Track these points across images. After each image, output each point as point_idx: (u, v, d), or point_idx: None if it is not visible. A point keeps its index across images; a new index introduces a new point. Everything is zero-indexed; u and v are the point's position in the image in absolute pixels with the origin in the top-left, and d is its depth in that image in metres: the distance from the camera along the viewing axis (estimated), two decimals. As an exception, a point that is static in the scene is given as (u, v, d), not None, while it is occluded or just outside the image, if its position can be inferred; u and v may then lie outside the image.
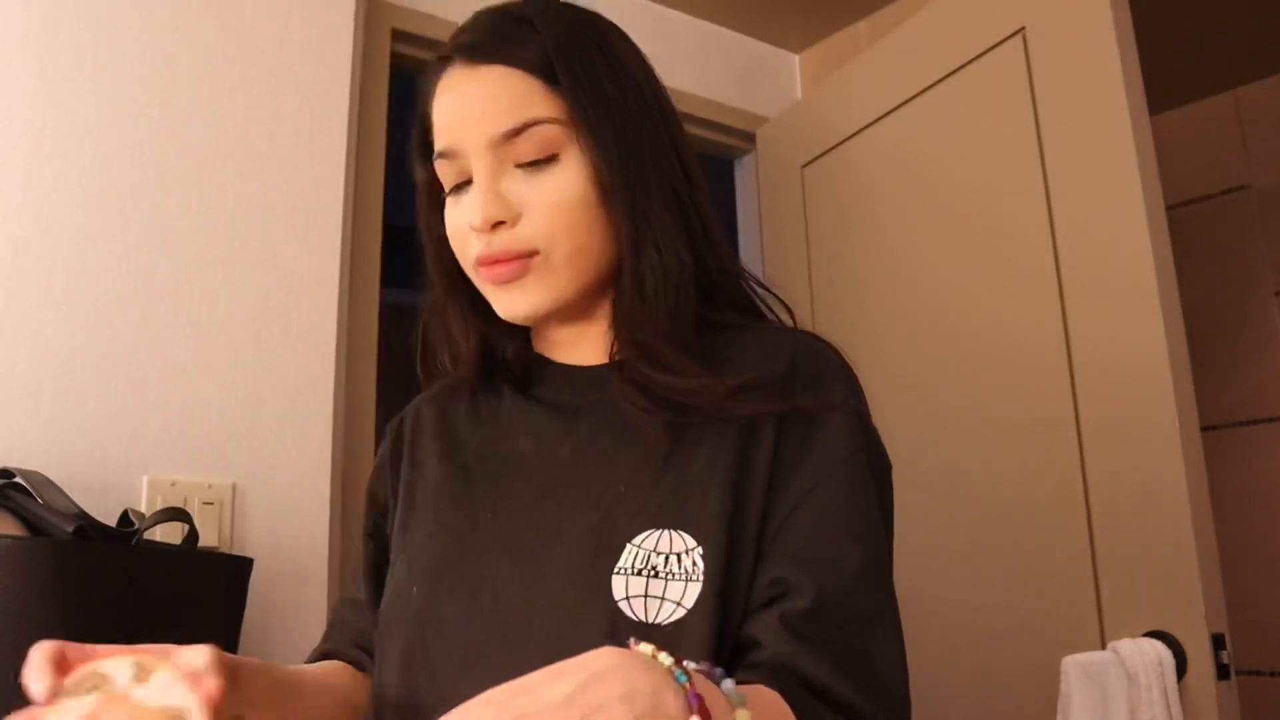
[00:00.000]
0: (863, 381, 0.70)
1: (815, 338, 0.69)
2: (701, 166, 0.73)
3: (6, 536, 0.88)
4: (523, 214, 0.64)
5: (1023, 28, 1.47)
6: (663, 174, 0.67)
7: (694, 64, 2.11)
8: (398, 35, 1.70)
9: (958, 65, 1.59)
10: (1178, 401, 1.20)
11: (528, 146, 0.64)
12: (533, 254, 0.64)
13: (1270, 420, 2.05)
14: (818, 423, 0.63)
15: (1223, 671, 1.13)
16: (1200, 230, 2.18)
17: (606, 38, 0.70)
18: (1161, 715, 1.11)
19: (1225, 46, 2.02)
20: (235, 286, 1.35)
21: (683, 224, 0.67)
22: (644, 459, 0.63)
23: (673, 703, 0.42)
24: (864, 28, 2.11)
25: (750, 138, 2.14)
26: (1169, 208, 1.30)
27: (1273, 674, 1.96)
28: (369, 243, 1.55)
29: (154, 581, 0.93)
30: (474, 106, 0.66)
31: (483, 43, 0.67)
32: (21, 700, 0.47)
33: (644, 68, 0.72)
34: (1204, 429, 1.25)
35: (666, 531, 0.60)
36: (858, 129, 1.81)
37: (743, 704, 0.46)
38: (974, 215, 1.54)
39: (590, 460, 0.66)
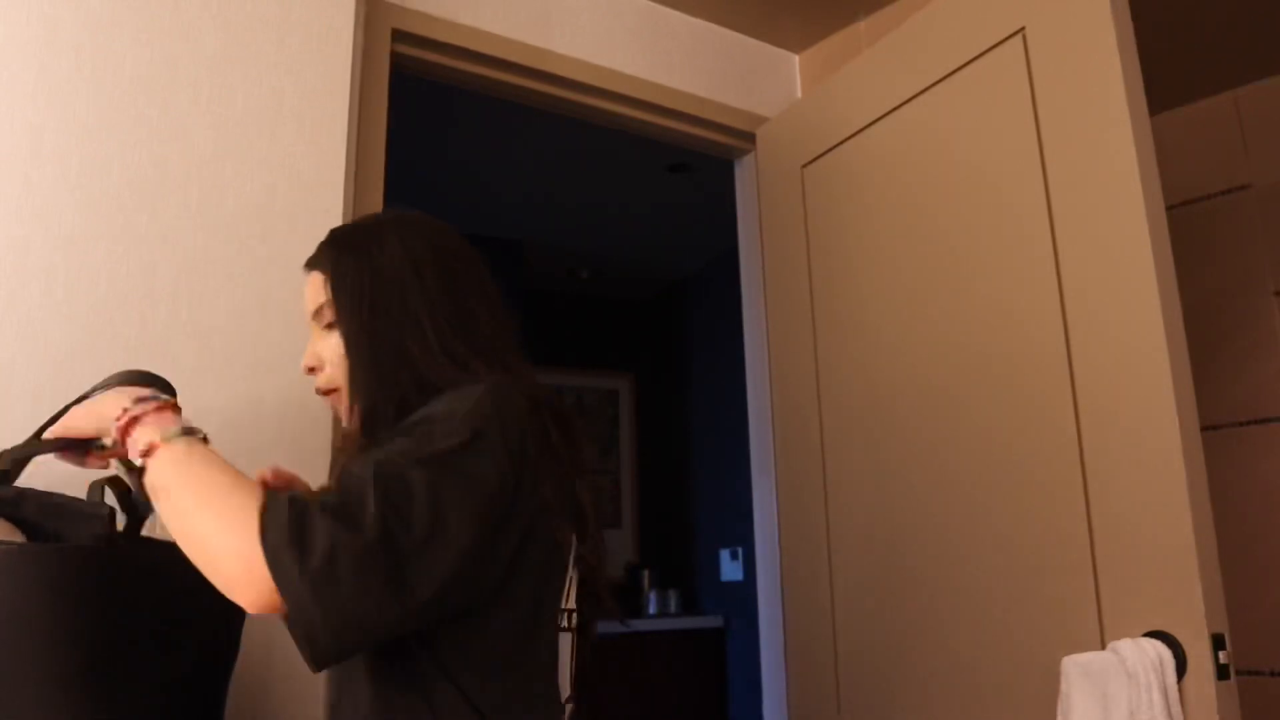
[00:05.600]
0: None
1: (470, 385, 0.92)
2: (475, 281, 1.02)
3: (6, 542, 0.88)
4: (324, 364, 1.00)
5: (1023, 28, 1.47)
6: (389, 334, 0.95)
7: (694, 64, 2.11)
8: (398, 35, 1.70)
9: (958, 65, 1.59)
10: (1178, 401, 1.20)
11: (323, 319, 1.00)
12: (333, 390, 1.00)
13: (1270, 420, 2.05)
14: None
15: (1222, 671, 1.13)
16: (1200, 230, 2.18)
17: (376, 239, 1.00)
18: (1161, 715, 1.11)
19: (1225, 46, 2.02)
20: (235, 286, 1.35)
21: (400, 372, 0.94)
22: None
23: (111, 406, 0.86)
24: (864, 28, 2.11)
25: (750, 138, 2.14)
26: (1169, 208, 1.30)
27: (1273, 674, 1.96)
28: (369, 243, 1.55)
29: (155, 581, 0.93)
30: (305, 294, 1.03)
31: (311, 258, 1.04)
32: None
33: (410, 249, 1.00)
34: (1204, 429, 1.25)
35: None
36: (858, 129, 1.81)
37: (174, 438, 0.80)
38: (974, 215, 1.54)
39: None
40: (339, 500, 0.74)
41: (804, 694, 1.83)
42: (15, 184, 1.23)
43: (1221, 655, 1.13)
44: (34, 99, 1.26)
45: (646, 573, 4.18)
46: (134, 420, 0.84)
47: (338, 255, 1.01)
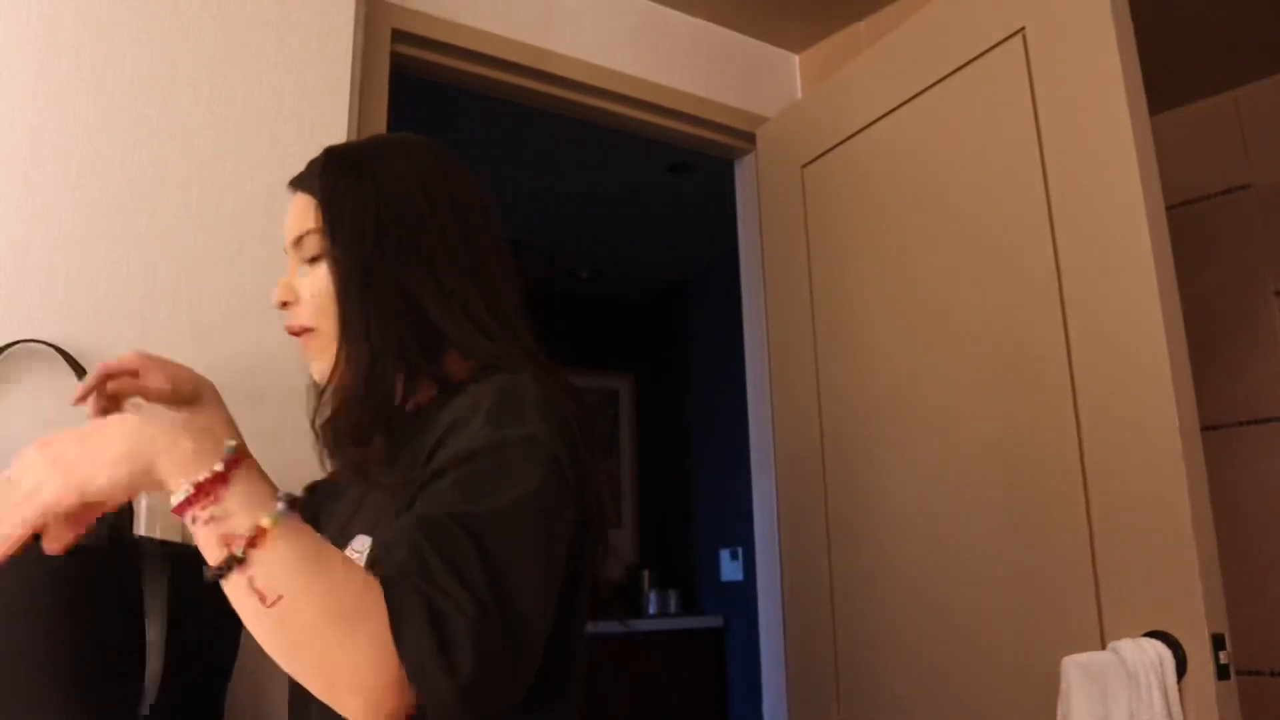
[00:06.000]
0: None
1: (505, 378, 0.78)
2: (490, 241, 0.89)
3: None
4: (301, 299, 0.86)
5: (1023, 28, 1.47)
6: (394, 274, 0.81)
7: (694, 64, 2.11)
8: (398, 35, 1.70)
9: (958, 65, 1.59)
10: (1178, 401, 1.20)
11: (305, 250, 0.86)
12: (307, 330, 0.86)
13: (1270, 420, 2.05)
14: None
15: (1222, 671, 1.13)
16: (1200, 230, 2.18)
17: (379, 160, 0.87)
18: (1161, 715, 1.11)
19: (1225, 46, 2.02)
20: (235, 287, 1.35)
21: (404, 320, 0.81)
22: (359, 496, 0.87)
23: (174, 450, 0.62)
24: (864, 28, 2.11)
25: (750, 138, 2.14)
26: (1169, 208, 1.30)
27: (1273, 674, 1.96)
28: (369, 243, 1.55)
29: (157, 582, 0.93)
30: (286, 220, 0.89)
31: (298, 176, 0.90)
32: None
33: (424, 179, 0.86)
34: (1204, 429, 1.25)
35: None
36: (858, 129, 1.81)
37: (277, 522, 0.59)
38: (974, 215, 1.54)
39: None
40: (456, 581, 0.60)
41: (804, 694, 1.83)
42: (15, 184, 1.23)
43: (1221, 655, 1.13)
44: (34, 99, 1.26)
45: (646, 573, 4.18)
46: (221, 481, 0.61)
47: (335, 175, 0.86)
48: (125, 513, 1.08)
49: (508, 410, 0.73)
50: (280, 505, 0.61)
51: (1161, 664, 1.13)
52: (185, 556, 1.03)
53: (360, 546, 0.78)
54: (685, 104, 2.05)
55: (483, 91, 1.91)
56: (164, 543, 0.98)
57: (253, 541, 0.59)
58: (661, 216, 3.75)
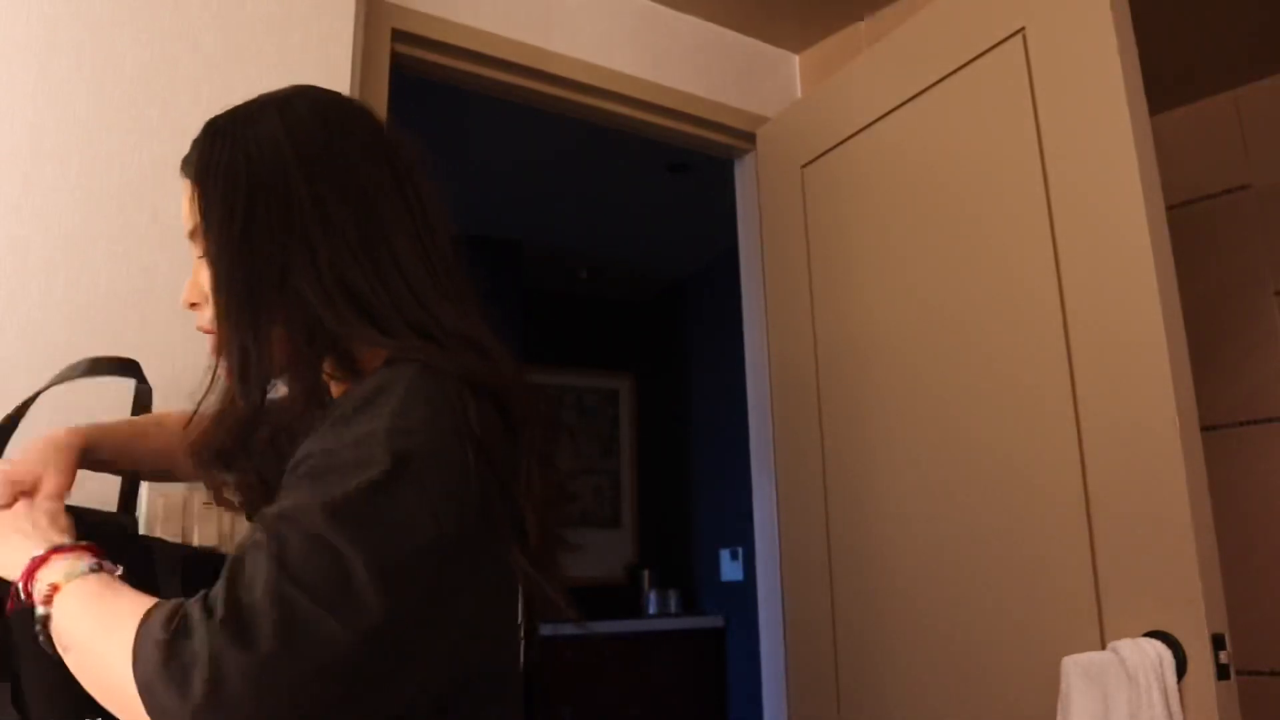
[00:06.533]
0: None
1: (385, 376, 0.70)
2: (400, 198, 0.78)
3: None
4: (207, 300, 0.76)
5: (1023, 28, 1.47)
6: (268, 258, 0.72)
7: (694, 64, 2.10)
8: (398, 35, 1.70)
9: (958, 65, 1.59)
10: (1178, 401, 1.20)
11: (198, 244, 0.77)
12: (210, 332, 0.77)
13: (1270, 420, 2.05)
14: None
15: (1223, 671, 1.13)
16: (1200, 230, 2.18)
17: (250, 124, 0.76)
18: (1161, 715, 1.11)
19: (1225, 46, 2.02)
20: (235, 286, 1.35)
21: (282, 312, 0.72)
22: None
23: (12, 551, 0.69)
24: (864, 28, 2.11)
25: (750, 138, 2.14)
26: (1169, 208, 1.30)
27: (1273, 674, 1.96)
28: (369, 243, 1.55)
29: (153, 583, 0.93)
30: (181, 209, 0.79)
31: (184, 158, 0.79)
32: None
33: (294, 135, 0.75)
34: (1204, 429, 1.25)
35: None
36: (858, 129, 1.81)
37: (76, 576, 0.65)
38: (974, 215, 1.54)
39: None
40: (227, 597, 0.57)
41: (804, 694, 1.83)
42: (15, 184, 1.23)
43: (1221, 655, 1.13)
44: (34, 99, 1.26)
45: (646, 573, 4.18)
46: (39, 563, 0.67)
47: (204, 151, 0.77)
48: (131, 511, 1.08)
49: (362, 409, 0.65)
50: (82, 566, 0.66)
51: (1161, 664, 1.13)
52: (194, 559, 1.03)
53: None
54: (685, 104, 2.05)
55: (483, 91, 1.91)
56: (175, 544, 0.98)
57: (48, 598, 0.65)
58: (661, 216, 3.75)
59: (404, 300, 0.73)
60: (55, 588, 0.65)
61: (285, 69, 1.43)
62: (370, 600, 0.57)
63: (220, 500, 0.83)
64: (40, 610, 0.65)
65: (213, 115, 0.81)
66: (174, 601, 0.60)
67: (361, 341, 0.73)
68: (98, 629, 0.62)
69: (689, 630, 3.84)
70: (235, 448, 0.77)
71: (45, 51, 1.28)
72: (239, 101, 1.37)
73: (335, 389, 0.78)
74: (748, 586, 3.65)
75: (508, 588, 0.73)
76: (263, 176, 0.73)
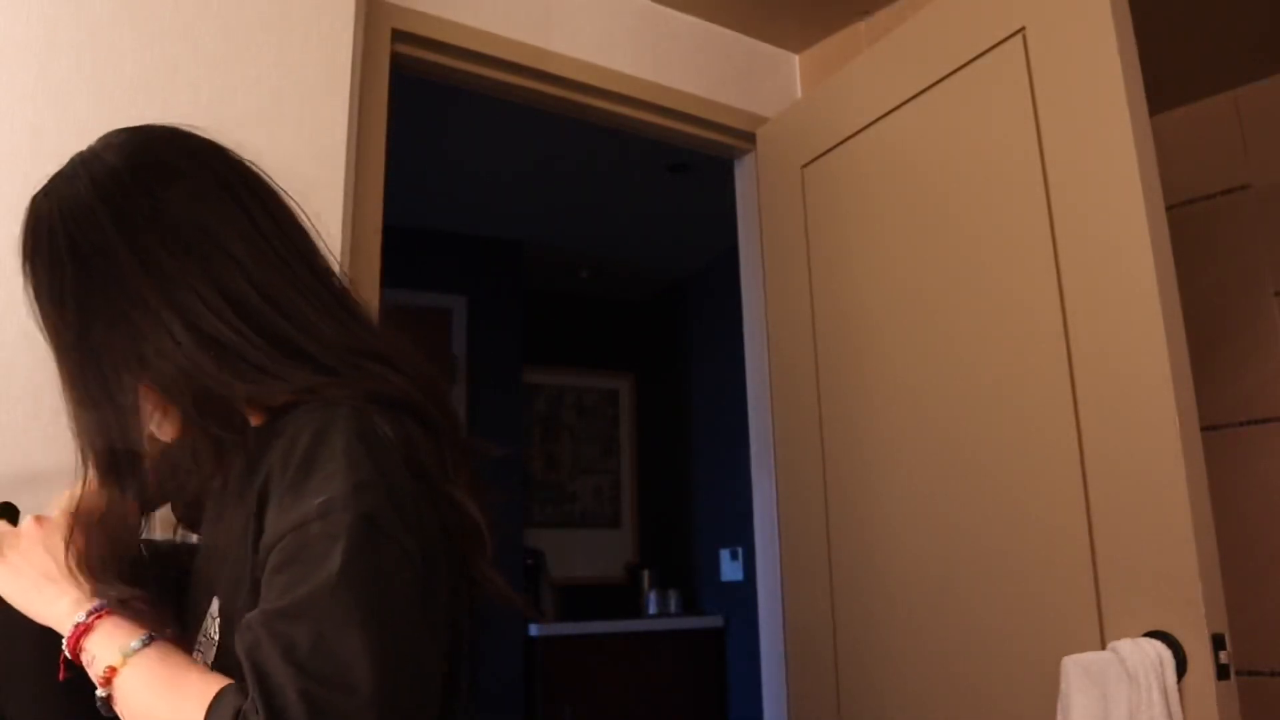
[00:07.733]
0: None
1: (317, 422, 0.67)
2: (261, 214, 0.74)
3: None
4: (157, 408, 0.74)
5: (1023, 28, 1.47)
6: (128, 343, 0.68)
7: (694, 64, 2.10)
8: (398, 35, 1.70)
9: (958, 65, 1.59)
10: (1178, 401, 1.20)
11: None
12: None
13: (1270, 420, 2.05)
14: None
15: (1223, 671, 1.13)
16: (1200, 230, 2.18)
17: (64, 183, 0.71)
18: (1161, 715, 1.11)
19: (1225, 46, 2.02)
20: (235, 286, 1.34)
21: (122, 387, 0.69)
22: None
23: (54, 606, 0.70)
24: (864, 28, 2.11)
25: (750, 138, 2.14)
26: (1169, 208, 1.30)
27: (1273, 674, 1.96)
28: (369, 243, 1.55)
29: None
30: None
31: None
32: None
33: (100, 186, 0.69)
34: (1204, 429, 1.25)
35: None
36: (858, 129, 1.81)
37: (131, 654, 0.66)
38: (974, 215, 1.54)
39: None
40: (265, 706, 0.58)
41: (804, 694, 1.83)
42: (15, 184, 1.23)
43: (1221, 655, 1.13)
44: (34, 99, 1.26)
45: (646, 573, 4.18)
46: (84, 631, 0.69)
47: (26, 232, 0.72)
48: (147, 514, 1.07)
49: (311, 470, 0.64)
50: (134, 643, 0.67)
51: (1161, 664, 1.13)
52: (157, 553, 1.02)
53: (215, 611, 0.74)
54: (685, 104, 2.05)
55: (483, 91, 1.91)
56: (187, 546, 0.98)
57: (107, 679, 0.66)
58: (661, 216, 3.75)
59: (281, 334, 0.69)
60: (113, 670, 0.66)
61: (285, 69, 1.43)
62: (382, 664, 0.59)
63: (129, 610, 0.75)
64: (101, 692, 0.67)
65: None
66: (231, 699, 0.61)
67: (252, 400, 0.69)
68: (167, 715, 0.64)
69: (689, 630, 3.84)
70: (127, 553, 0.75)
71: (45, 51, 1.28)
72: (239, 101, 1.35)
73: (253, 417, 0.74)
74: (748, 586, 3.65)
75: (456, 599, 0.74)
76: (81, 249, 0.68)
